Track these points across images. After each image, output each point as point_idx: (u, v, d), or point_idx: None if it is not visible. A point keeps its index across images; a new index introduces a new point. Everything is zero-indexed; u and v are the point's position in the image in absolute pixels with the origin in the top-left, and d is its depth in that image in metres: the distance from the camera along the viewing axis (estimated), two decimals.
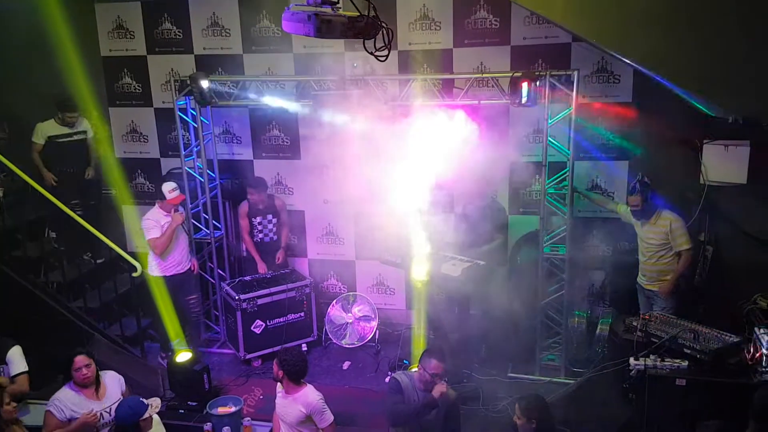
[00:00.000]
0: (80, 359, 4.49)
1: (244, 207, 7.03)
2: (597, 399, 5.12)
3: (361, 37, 2.83)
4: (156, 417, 4.44)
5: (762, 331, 4.75)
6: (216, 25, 7.10)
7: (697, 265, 6.35)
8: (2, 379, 4.92)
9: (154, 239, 6.24)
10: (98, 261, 6.86)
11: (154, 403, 4.29)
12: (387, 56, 2.82)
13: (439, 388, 4.45)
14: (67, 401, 4.45)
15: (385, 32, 2.91)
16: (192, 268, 6.69)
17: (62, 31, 6.24)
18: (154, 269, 6.35)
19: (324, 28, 2.90)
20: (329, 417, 4.51)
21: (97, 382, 4.60)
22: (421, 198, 5.97)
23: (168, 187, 6.28)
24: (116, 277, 6.72)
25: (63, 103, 6.69)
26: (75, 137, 6.92)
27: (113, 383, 4.68)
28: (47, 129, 6.78)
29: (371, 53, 2.83)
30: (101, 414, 4.50)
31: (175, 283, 6.41)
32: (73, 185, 6.93)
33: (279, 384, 4.63)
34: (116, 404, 4.52)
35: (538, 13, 5.70)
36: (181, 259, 6.51)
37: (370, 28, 2.86)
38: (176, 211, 6.37)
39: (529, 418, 3.83)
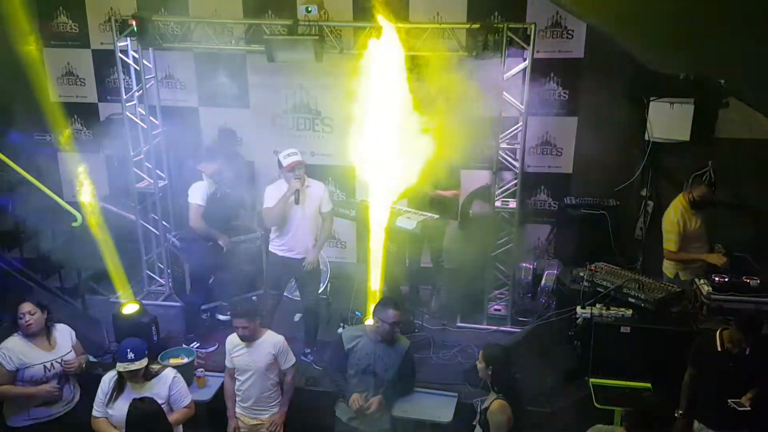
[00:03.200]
0: (24, 306, 4.34)
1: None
2: (544, 347, 5.31)
3: None
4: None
5: (702, 281, 5.02)
6: None
7: (638, 219, 6.62)
8: None
9: (265, 209, 5.59)
10: None
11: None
12: None
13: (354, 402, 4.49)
14: (15, 350, 4.30)
15: None
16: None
17: None
18: (270, 243, 5.81)
19: None
20: (293, 357, 4.65)
21: (48, 333, 4.46)
22: (374, 150, 5.89)
23: (284, 153, 5.49)
24: (54, 227, 6.42)
25: None
26: None
27: (63, 335, 4.55)
28: None
29: None
30: (52, 364, 4.38)
31: (279, 264, 5.72)
32: None
33: (227, 342, 4.66)
34: (67, 355, 4.43)
35: None
36: (293, 245, 5.62)
37: None
38: (296, 178, 5.43)
39: (487, 364, 3.95)
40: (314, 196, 5.60)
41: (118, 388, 4.11)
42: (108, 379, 4.18)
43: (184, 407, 4.25)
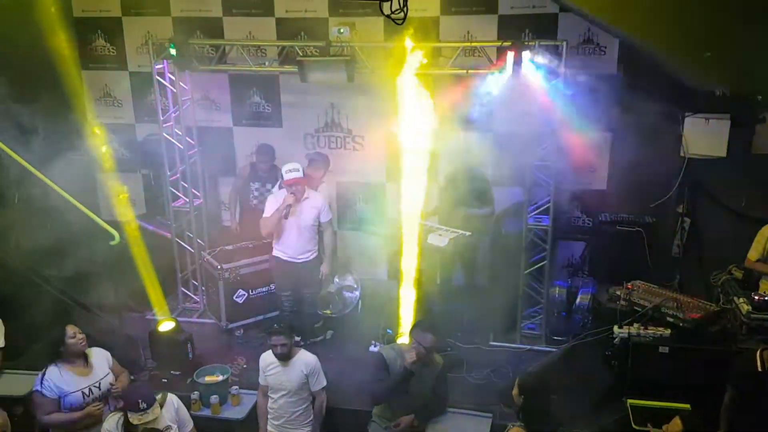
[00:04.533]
0: (70, 328, 4.43)
1: (246, 168, 6.93)
2: (580, 366, 5.23)
3: None
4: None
5: (741, 300, 4.90)
6: None
7: (675, 236, 6.50)
8: None
9: (262, 219, 5.99)
10: None
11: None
12: (404, 20, 2.75)
13: (411, 357, 4.46)
14: (55, 379, 4.36)
15: None
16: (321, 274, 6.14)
17: None
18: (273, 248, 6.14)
19: None
20: (323, 380, 4.67)
21: (85, 357, 4.52)
22: (405, 167, 5.92)
23: (286, 168, 5.83)
24: (93, 246, 6.54)
25: None
26: None
27: (100, 358, 4.59)
28: None
29: (387, 16, 2.75)
30: (90, 389, 4.43)
31: (281, 267, 6.07)
32: None
33: (261, 360, 4.71)
34: (105, 378, 4.49)
35: None
36: (292, 251, 5.98)
37: None
38: (291, 193, 5.80)
39: (520, 392, 3.89)
40: (311, 207, 5.92)
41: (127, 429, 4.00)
42: (114, 423, 4.05)
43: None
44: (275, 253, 6.05)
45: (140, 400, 3.94)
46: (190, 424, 4.36)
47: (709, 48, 4.51)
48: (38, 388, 4.33)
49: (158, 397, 4.14)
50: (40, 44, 6.24)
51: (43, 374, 4.38)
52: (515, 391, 3.92)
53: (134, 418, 3.89)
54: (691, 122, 6.08)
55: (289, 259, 5.99)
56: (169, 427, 4.11)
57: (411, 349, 4.51)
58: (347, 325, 6.72)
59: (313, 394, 4.69)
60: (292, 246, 5.97)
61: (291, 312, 6.13)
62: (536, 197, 6.20)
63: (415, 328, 4.60)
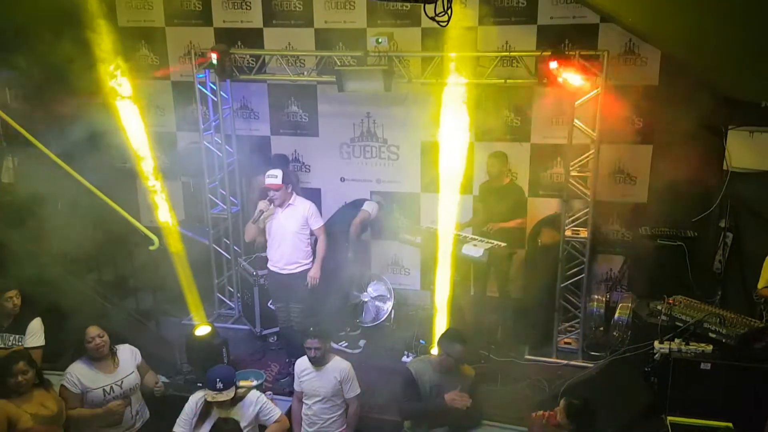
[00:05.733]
0: (92, 330, 4.47)
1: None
2: (619, 382, 5.11)
3: (421, 1, 2.76)
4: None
5: None
6: None
7: (716, 251, 6.34)
8: (18, 349, 4.93)
9: (247, 224, 6.04)
10: None
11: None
12: (448, 22, 2.75)
13: (456, 399, 4.36)
14: (79, 374, 4.44)
15: None
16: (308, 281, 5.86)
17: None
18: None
19: None
20: (357, 387, 4.64)
21: (112, 355, 4.58)
22: (441, 178, 5.91)
23: (267, 173, 5.72)
24: (132, 250, 6.69)
25: None
26: None
27: (126, 356, 4.64)
28: None
29: (431, 18, 2.77)
30: (111, 387, 4.47)
31: (272, 279, 6.01)
32: None
33: (296, 366, 4.73)
34: (128, 377, 4.54)
35: None
36: (278, 260, 5.85)
37: None
38: (269, 199, 5.70)
39: (570, 419, 3.81)
40: (296, 215, 5.77)
41: (205, 411, 4.18)
42: (195, 402, 4.25)
43: (276, 422, 4.34)
44: (268, 265, 5.94)
45: (218, 379, 4.15)
46: (276, 414, 4.40)
47: (754, 58, 4.41)
48: (63, 382, 4.43)
49: (241, 390, 4.32)
50: (87, 55, 6.41)
51: (69, 369, 4.47)
52: (560, 415, 3.85)
53: (209, 395, 4.13)
54: (735, 135, 5.93)
55: (278, 270, 5.85)
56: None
57: (439, 360, 4.47)
58: (380, 334, 6.71)
59: (347, 402, 4.67)
60: (277, 256, 5.82)
61: (285, 326, 6.02)
62: (574, 209, 6.13)
63: (443, 337, 4.54)
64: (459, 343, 4.43)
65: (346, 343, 6.50)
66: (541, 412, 4.00)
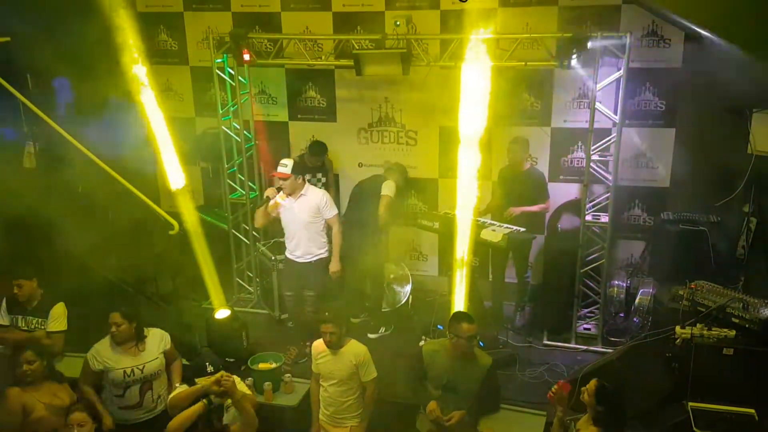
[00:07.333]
0: (114, 316, 4.51)
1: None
2: (640, 367, 5.05)
3: None
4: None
5: None
6: None
7: (740, 237, 6.23)
8: (40, 332, 5.01)
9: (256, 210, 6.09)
10: None
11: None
12: None
13: (433, 411, 4.36)
14: (103, 353, 4.52)
15: None
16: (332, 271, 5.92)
17: None
18: None
19: None
20: (374, 371, 4.63)
21: (139, 339, 4.62)
22: (460, 162, 5.86)
23: (280, 161, 5.78)
24: (152, 235, 6.73)
25: None
26: None
27: (155, 340, 4.68)
28: None
29: None
30: (132, 370, 4.51)
31: (287, 266, 6.10)
32: None
33: (313, 348, 4.72)
34: (151, 362, 4.57)
35: None
36: (294, 249, 5.91)
37: None
38: (278, 187, 5.76)
39: (598, 402, 3.77)
40: (308, 205, 5.79)
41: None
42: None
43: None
44: (285, 252, 6.02)
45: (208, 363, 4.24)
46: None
47: None
48: (87, 356, 4.53)
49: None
50: (106, 40, 6.43)
51: (95, 346, 4.55)
52: (589, 398, 3.80)
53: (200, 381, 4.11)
54: (760, 118, 5.80)
55: (294, 259, 5.92)
56: None
57: (453, 344, 4.46)
58: (398, 319, 6.71)
59: (364, 385, 4.68)
60: (292, 246, 5.90)
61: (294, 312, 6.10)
62: (595, 193, 6.06)
63: (450, 320, 4.52)
64: (465, 322, 4.39)
65: (385, 329, 6.50)
66: (556, 387, 3.96)
